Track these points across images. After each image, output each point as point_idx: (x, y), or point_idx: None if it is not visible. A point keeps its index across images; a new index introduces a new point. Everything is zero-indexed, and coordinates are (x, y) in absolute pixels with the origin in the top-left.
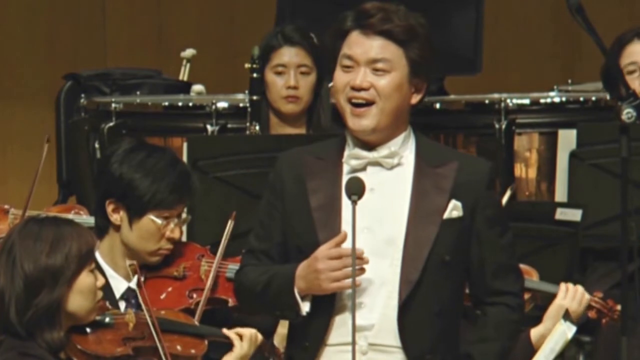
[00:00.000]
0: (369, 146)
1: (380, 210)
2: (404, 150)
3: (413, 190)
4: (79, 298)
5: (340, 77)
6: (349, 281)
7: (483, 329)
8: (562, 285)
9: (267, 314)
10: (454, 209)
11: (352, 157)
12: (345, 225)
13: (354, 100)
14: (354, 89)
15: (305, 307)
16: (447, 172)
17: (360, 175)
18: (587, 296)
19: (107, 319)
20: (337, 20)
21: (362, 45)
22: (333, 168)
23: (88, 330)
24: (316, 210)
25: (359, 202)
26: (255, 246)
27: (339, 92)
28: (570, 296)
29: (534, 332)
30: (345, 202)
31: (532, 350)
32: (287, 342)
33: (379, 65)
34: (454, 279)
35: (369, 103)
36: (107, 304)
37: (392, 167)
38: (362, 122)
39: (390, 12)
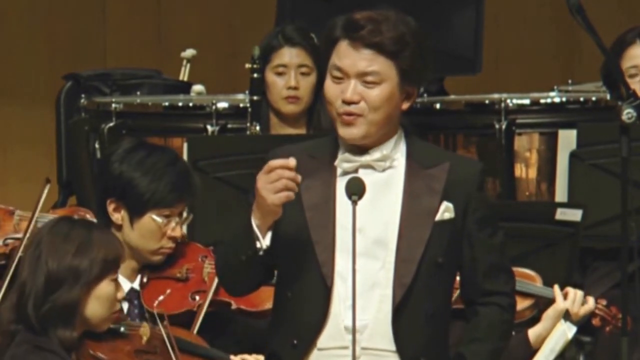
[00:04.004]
0: (361, 149)
1: (371, 212)
2: (396, 153)
3: (405, 192)
4: (96, 304)
5: (331, 88)
6: (289, 194)
7: (475, 329)
8: (557, 288)
9: (238, 273)
10: (445, 211)
11: (344, 160)
12: (339, 226)
13: (344, 114)
14: (344, 102)
15: (265, 241)
16: (438, 173)
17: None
18: (591, 303)
19: (121, 329)
20: (328, 27)
21: (352, 58)
22: (326, 168)
23: (102, 337)
24: (309, 209)
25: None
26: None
27: (330, 104)
28: (571, 299)
29: (532, 332)
30: (340, 203)
31: (530, 349)
32: (271, 335)
33: (369, 79)
34: (446, 281)
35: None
36: (128, 317)
37: (383, 170)
38: (352, 130)
39: (379, 22)
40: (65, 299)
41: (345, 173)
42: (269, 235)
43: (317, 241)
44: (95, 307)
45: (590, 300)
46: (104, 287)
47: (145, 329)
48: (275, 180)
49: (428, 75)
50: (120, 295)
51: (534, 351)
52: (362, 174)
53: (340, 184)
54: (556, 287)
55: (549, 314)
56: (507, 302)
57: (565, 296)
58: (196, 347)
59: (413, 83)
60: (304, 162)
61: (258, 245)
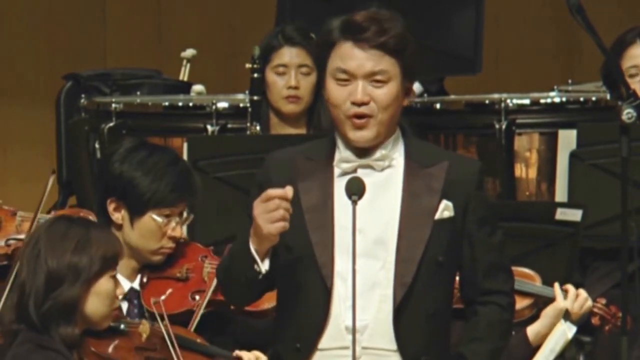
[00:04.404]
0: (360, 150)
1: (371, 212)
2: (394, 152)
3: (404, 191)
4: (96, 301)
5: (336, 92)
6: (285, 224)
7: (475, 328)
8: (557, 287)
9: (239, 289)
10: (445, 209)
11: (342, 161)
12: (338, 226)
13: (354, 117)
14: (354, 104)
15: (264, 266)
16: (437, 172)
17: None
18: (589, 302)
19: (121, 326)
20: (324, 30)
21: (358, 59)
22: (324, 170)
23: (103, 334)
24: (308, 211)
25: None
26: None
27: (336, 107)
28: (572, 298)
29: (530, 330)
30: (338, 204)
31: (530, 347)
32: (274, 340)
33: (377, 78)
34: (447, 279)
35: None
36: (127, 316)
37: (382, 170)
38: (364, 133)
39: (381, 22)
40: (66, 297)
41: (344, 173)
42: (267, 260)
43: (317, 242)
44: (95, 303)
45: (589, 301)
46: (104, 284)
47: (144, 327)
48: (273, 210)
49: (423, 70)
50: (119, 291)
51: (534, 350)
52: (361, 174)
53: (339, 184)
54: (556, 286)
55: (548, 312)
56: (507, 301)
57: (565, 294)
58: (196, 344)
59: (412, 79)
60: (302, 165)
61: (257, 268)
